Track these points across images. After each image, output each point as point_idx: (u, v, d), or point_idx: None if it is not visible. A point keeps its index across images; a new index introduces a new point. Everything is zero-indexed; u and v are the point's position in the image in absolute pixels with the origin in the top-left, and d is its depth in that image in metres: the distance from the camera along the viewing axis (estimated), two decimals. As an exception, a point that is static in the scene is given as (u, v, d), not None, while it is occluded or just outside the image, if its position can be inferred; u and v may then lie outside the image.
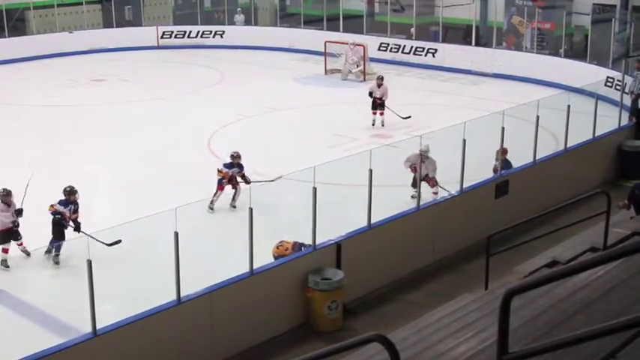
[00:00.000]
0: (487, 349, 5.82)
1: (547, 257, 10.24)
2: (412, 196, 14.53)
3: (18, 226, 13.26)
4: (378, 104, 21.87)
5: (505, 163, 15.44)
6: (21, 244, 13.36)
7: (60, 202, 13.39)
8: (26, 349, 9.64)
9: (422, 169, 14.60)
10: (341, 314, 11.92)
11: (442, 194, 14.74)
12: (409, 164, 15.19)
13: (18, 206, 13.26)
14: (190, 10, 37.39)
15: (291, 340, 11.48)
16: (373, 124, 21.95)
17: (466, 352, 6.16)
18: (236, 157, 15.75)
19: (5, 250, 13.23)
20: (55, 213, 13.33)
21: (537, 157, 16.07)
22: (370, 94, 21.98)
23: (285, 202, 15.10)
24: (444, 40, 31.39)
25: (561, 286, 6.77)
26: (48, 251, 13.26)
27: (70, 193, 13.52)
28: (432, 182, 15.05)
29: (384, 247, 13.04)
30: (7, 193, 13.41)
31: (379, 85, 21.97)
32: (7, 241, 13.20)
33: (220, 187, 15.59)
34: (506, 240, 11.49)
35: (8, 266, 13.09)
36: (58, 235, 13.24)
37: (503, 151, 15.21)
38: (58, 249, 13.10)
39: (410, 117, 21.66)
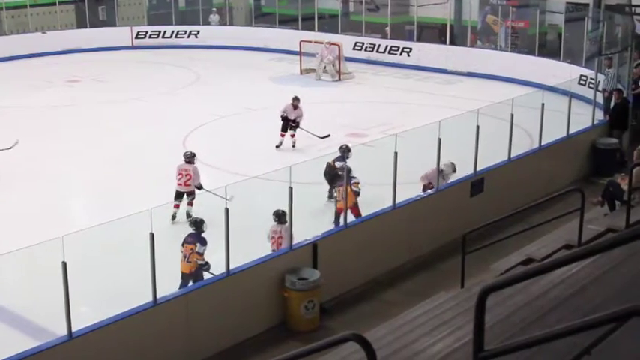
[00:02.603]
0: (463, 347, 5.84)
1: (522, 255, 10.31)
2: None
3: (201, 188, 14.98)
4: (291, 126, 20.13)
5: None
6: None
7: None
8: (1, 351, 9.56)
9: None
10: (318, 314, 11.92)
11: None
12: (427, 181, 14.91)
13: None
14: (165, 11, 37.20)
15: (268, 340, 11.47)
16: (278, 146, 20.08)
17: (442, 351, 6.18)
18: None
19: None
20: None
21: (512, 156, 16.15)
22: (283, 117, 20.02)
23: (261, 202, 15.04)
24: (419, 40, 31.46)
25: (536, 284, 6.81)
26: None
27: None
28: None
29: (360, 246, 13.06)
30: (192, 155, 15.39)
31: (295, 107, 20.11)
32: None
33: None
34: (481, 238, 11.54)
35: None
36: None
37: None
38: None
39: (329, 136, 20.12)
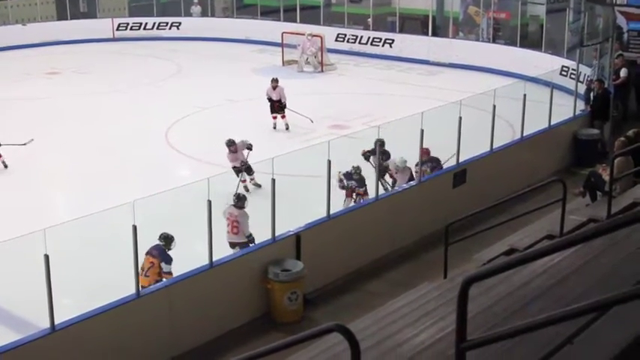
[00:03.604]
0: (446, 337, 5.86)
1: (505, 245, 10.35)
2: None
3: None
4: (277, 107, 20.89)
5: (435, 162, 15.21)
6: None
7: None
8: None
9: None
10: (301, 305, 11.94)
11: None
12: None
13: None
14: (146, 2, 37.01)
15: (252, 331, 11.47)
16: (274, 128, 21.02)
17: (425, 341, 6.20)
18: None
19: None
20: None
21: (494, 147, 16.21)
22: (268, 98, 20.93)
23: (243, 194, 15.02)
24: (401, 31, 31.46)
25: (519, 274, 6.84)
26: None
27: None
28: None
29: (343, 237, 13.08)
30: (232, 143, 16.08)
31: (274, 88, 20.80)
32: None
33: None
34: (464, 229, 11.57)
35: None
36: None
37: (424, 153, 14.80)
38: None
39: (312, 122, 20.81)
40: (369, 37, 31.59)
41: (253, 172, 16.12)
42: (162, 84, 26.97)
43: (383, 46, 31.13)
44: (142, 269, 11.12)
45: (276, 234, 12.16)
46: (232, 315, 11.60)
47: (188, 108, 22.96)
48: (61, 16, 35.12)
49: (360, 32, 31.99)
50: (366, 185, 14.30)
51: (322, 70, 28.45)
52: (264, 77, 27.11)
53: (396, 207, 14.16)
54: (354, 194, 14.36)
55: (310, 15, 33.01)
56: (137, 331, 10.56)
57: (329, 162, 12.64)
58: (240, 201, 12.79)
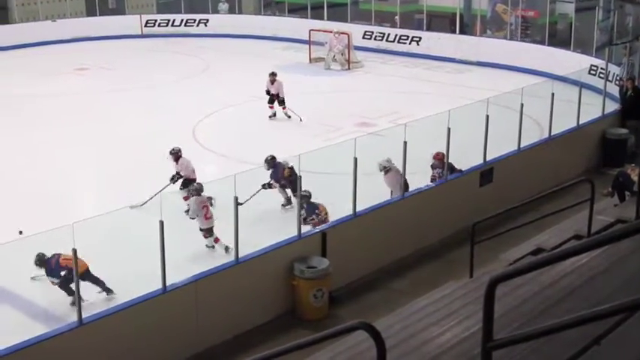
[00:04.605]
0: (472, 337, 5.85)
1: (532, 245, 10.30)
2: None
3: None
4: (276, 100, 21.53)
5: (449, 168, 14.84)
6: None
7: None
8: (12, 337, 9.62)
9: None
10: (326, 302, 11.94)
11: None
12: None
13: None
14: (174, -1, 37.25)
15: (277, 328, 11.49)
16: (272, 116, 21.67)
17: (451, 340, 6.19)
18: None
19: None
20: None
21: (522, 145, 16.12)
22: (267, 91, 21.55)
23: (270, 191, 15.04)
24: (429, 29, 31.36)
25: (546, 274, 6.81)
26: None
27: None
28: None
29: (369, 235, 13.07)
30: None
31: (272, 81, 21.45)
32: None
33: None
34: (490, 228, 11.50)
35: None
36: None
37: (437, 157, 14.67)
38: None
39: (301, 120, 21.36)
40: (396, 35, 31.53)
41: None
42: (189, 80, 27.07)
43: (410, 43, 31.05)
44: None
45: (302, 231, 12.18)
46: (258, 311, 11.62)
47: (215, 104, 23.04)
48: (91, 13, 35.36)
49: (387, 30, 31.92)
50: (316, 212, 13.32)
51: (349, 68, 28.43)
52: (290, 74, 27.20)
53: (422, 205, 14.12)
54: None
55: (337, 12, 32.98)
56: (163, 325, 10.61)
57: (355, 159, 12.63)
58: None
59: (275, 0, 37.54)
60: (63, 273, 11.32)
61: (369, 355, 4.47)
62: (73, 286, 10.56)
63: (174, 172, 15.31)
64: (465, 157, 15.30)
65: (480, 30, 30.43)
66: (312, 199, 13.22)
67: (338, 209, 13.57)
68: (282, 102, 21.49)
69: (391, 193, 14.31)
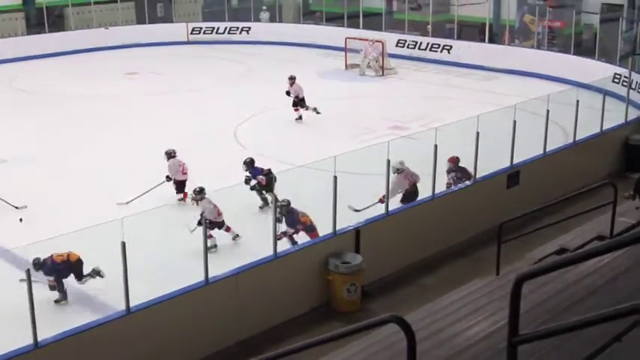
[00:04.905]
0: (498, 332, 5.81)
1: (556, 245, 10.20)
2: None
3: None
4: (297, 102, 21.68)
5: (462, 173, 14.66)
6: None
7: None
8: (63, 324, 9.75)
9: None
10: (359, 296, 11.95)
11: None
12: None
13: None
14: (218, 8, 37.40)
15: (312, 320, 11.52)
16: (299, 118, 21.79)
17: (478, 334, 6.16)
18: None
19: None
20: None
21: (547, 150, 16.00)
22: (287, 92, 21.79)
23: (307, 190, 15.08)
24: (459, 37, 31.22)
25: (569, 273, 6.75)
26: None
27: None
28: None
29: (400, 233, 13.06)
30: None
31: (291, 85, 21.71)
32: None
33: None
34: (516, 228, 11.42)
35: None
36: None
37: (451, 161, 14.52)
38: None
39: (318, 112, 21.58)
40: (428, 43, 31.42)
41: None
42: (232, 85, 27.19)
43: (441, 51, 30.93)
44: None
45: (337, 228, 12.19)
46: (294, 304, 11.67)
47: (256, 108, 23.13)
48: (140, 20, 35.68)
49: (419, 38, 31.81)
50: (297, 227, 12.81)
51: (383, 74, 28.39)
52: (327, 80, 27.31)
53: (451, 205, 14.08)
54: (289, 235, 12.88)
55: (372, 21, 32.94)
56: (205, 316, 10.68)
57: (388, 161, 12.64)
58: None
59: (313, 9, 37.59)
60: (61, 269, 11.48)
61: (400, 347, 4.47)
62: (64, 282, 11.30)
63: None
64: (493, 161, 15.21)
65: (508, 39, 30.24)
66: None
67: (371, 208, 13.58)
68: (298, 103, 21.57)
69: (390, 193, 13.77)
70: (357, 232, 12.36)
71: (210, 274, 10.67)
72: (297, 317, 11.57)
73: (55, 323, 10.05)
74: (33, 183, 16.90)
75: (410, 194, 14.03)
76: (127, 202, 15.26)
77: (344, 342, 5.75)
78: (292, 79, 21.75)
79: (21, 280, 9.57)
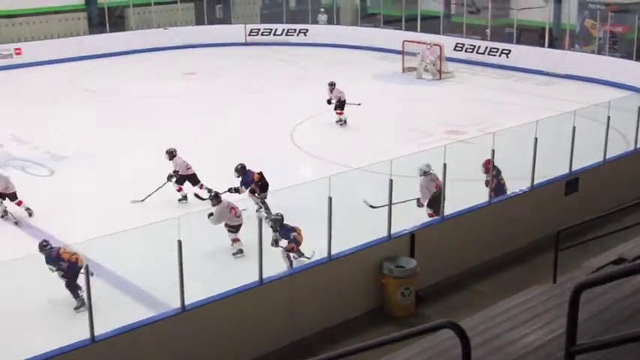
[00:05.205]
0: (555, 340, 5.75)
1: (614, 254, 10.02)
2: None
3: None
4: (338, 105, 21.63)
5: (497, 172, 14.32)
6: None
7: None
8: (121, 320, 9.91)
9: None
10: (413, 301, 11.90)
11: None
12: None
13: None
14: (276, 10, 37.67)
15: (366, 323, 11.50)
16: (345, 122, 21.76)
17: (534, 342, 6.10)
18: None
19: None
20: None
21: (607, 157, 15.74)
22: (328, 100, 21.69)
23: (362, 193, 15.08)
24: (518, 42, 30.91)
25: (627, 283, 6.64)
26: None
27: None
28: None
29: (455, 238, 12.97)
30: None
31: (331, 90, 21.68)
32: None
33: None
34: (574, 236, 11.29)
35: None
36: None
37: (486, 165, 14.15)
38: None
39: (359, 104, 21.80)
40: (486, 47, 31.17)
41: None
42: (289, 86, 27.35)
43: (500, 56, 30.66)
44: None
45: (392, 232, 12.17)
46: (348, 306, 11.66)
47: (312, 110, 23.20)
48: (199, 21, 36.11)
49: (477, 42, 31.58)
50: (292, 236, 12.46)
51: (440, 78, 28.25)
52: (384, 83, 27.29)
53: (508, 211, 13.94)
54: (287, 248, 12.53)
55: (430, 25, 32.82)
56: (259, 315, 10.75)
57: (444, 165, 12.57)
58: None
59: (371, 12, 37.57)
60: (64, 265, 11.46)
61: (455, 353, 4.46)
62: (78, 282, 11.31)
63: (171, 171, 15.96)
64: (551, 167, 15.02)
65: (569, 44, 29.82)
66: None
67: (425, 212, 13.54)
68: (339, 106, 21.52)
69: (419, 199, 14.07)
70: (411, 236, 12.32)
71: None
72: (351, 320, 11.56)
73: (109, 318, 10.19)
74: (91, 179, 17.22)
75: (436, 198, 13.90)
76: (142, 200, 15.68)
77: (397, 346, 5.74)
78: (332, 85, 21.73)
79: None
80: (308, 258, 12.28)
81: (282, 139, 20.34)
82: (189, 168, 16.09)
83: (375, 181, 16.33)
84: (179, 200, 15.96)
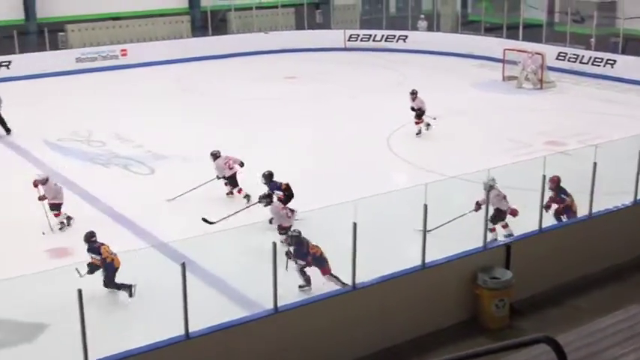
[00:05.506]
0: (656, 361, 5.57)
1: None
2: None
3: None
4: (418, 114, 21.20)
5: (560, 191, 13.86)
6: None
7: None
8: (215, 318, 10.08)
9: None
10: (507, 313, 11.70)
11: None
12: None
13: None
14: (376, 16, 37.68)
15: (458, 333, 11.35)
16: (419, 132, 21.38)
17: (634, 362, 5.92)
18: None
19: None
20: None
21: None
22: (412, 108, 21.23)
23: (457, 202, 14.91)
24: (624, 52, 30.02)
25: None
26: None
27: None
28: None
29: (553, 251, 12.69)
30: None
31: (413, 99, 21.21)
32: None
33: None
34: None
35: None
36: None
37: (552, 181, 13.62)
38: None
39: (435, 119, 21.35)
40: (590, 57, 30.36)
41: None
42: (387, 92, 27.29)
43: (604, 66, 29.83)
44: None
45: (487, 241, 12.01)
46: (441, 315, 11.55)
47: (410, 116, 23.07)
48: (299, 26, 36.43)
49: (581, 52, 30.79)
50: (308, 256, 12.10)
51: (541, 88, 27.69)
52: (484, 92, 26.94)
53: (609, 226, 13.54)
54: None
55: (532, 33, 32.21)
56: (350, 320, 10.76)
57: (543, 177, 12.35)
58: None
59: (472, 20, 37.15)
60: (100, 258, 11.86)
61: (550, 369, 4.36)
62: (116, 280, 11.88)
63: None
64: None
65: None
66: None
67: (522, 224, 13.29)
68: (419, 115, 21.23)
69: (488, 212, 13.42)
70: (507, 247, 12.12)
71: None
72: (443, 329, 11.43)
73: (204, 316, 10.36)
74: (189, 179, 17.56)
75: (499, 212, 13.58)
76: (173, 199, 16.14)
77: (491, 358, 5.66)
78: (414, 93, 21.40)
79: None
80: (344, 284, 11.52)
81: (379, 145, 20.32)
82: (232, 168, 16.38)
83: (470, 189, 16.22)
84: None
